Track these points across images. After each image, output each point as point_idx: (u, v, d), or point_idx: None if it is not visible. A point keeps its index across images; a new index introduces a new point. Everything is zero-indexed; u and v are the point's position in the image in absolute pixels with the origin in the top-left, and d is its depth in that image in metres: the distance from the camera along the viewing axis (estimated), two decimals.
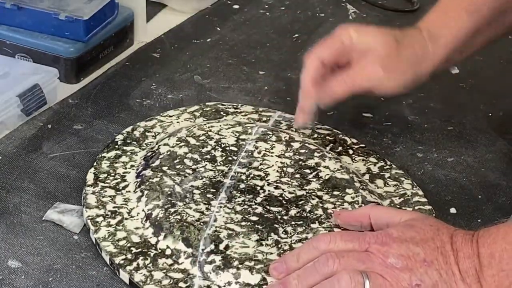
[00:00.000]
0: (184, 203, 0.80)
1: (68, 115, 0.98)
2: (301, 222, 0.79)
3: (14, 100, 0.94)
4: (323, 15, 1.26)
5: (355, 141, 0.94)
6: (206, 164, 0.85)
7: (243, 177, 0.84)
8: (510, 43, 1.19)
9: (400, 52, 0.88)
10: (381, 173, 0.89)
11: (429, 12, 0.92)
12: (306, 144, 0.89)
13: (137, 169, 0.86)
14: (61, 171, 0.88)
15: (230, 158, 0.86)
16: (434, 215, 0.83)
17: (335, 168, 0.86)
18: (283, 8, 1.27)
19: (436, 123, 1.00)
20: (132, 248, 0.76)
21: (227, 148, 0.88)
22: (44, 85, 0.97)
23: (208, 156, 0.86)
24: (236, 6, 1.27)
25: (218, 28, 1.20)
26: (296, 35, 1.20)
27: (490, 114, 1.02)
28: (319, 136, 0.94)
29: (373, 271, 0.68)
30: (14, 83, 0.96)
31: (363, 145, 0.93)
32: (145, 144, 0.91)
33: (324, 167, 0.86)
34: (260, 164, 0.86)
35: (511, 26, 0.94)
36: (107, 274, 0.75)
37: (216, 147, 0.88)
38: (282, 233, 0.77)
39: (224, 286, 0.73)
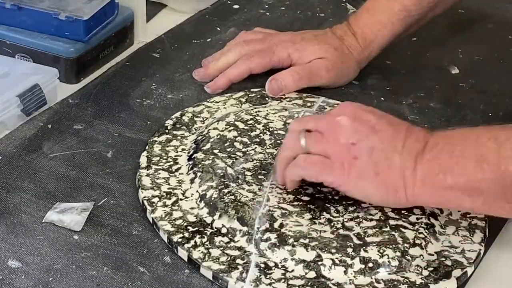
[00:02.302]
0: (237, 184, 0.82)
1: (68, 115, 0.98)
2: (352, 201, 0.81)
3: (14, 100, 0.94)
4: (323, 15, 1.26)
5: None
6: (255, 147, 0.88)
7: None
8: (510, 43, 1.19)
9: (343, 59, 1.02)
10: None
11: (361, 12, 1.05)
12: None
13: (188, 152, 0.88)
14: (61, 171, 0.88)
15: (278, 141, 0.89)
16: None
17: None
18: (283, 8, 1.27)
19: (436, 123, 1.00)
20: (188, 227, 0.79)
21: (275, 132, 0.90)
22: (44, 85, 0.97)
23: (257, 140, 0.89)
24: (236, 6, 1.27)
25: (218, 28, 1.20)
26: None
27: (490, 114, 1.02)
28: None
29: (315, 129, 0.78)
30: (14, 83, 0.96)
31: None
32: (194, 128, 0.94)
33: None
34: None
35: (436, 16, 1.08)
36: (107, 274, 0.75)
37: (265, 131, 0.90)
38: (334, 212, 0.80)
39: (280, 262, 0.75)
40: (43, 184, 0.86)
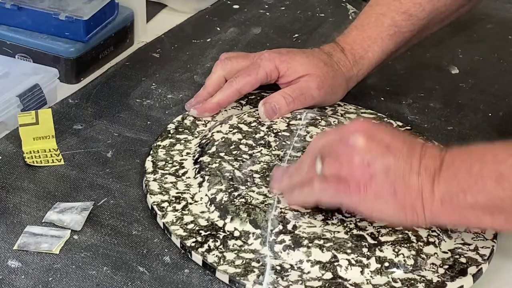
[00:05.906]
0: (246, 186, 0.82)
1: (68, 115, 0.98)
2: None
3: (14, 100, 0.94)
4: (323, 15, 1.26)
5: (400, 123, 0.97)
6: (261, 149, 0.88)
7: None
8: (510, 43, 1.19)
9: (333, 74, 0.96)
10: None
11: (350, 30, 1.00)
12: None
13: (193, 156, 0.88)
14: (61, 171, 0.88)
15: (283, 143, 0.89)
16: None
17: None
18: (283, 8, 1.27)
19: (436, 123, 1.00)
20: (201, 231, 0.79)
21: (279, 134, 0.90)
22: (44, 85, 0.97)
23: (262, 142, 0.89)
24: (236, 6, 1.27)
25: (218, 28, 1.20)
26: (296, 35, 1.20)
27: (490, 114, 1.03)
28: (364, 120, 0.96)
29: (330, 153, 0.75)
30: (14, 83, 0.96)
31: (409, 127, 0.96)
32: (197, 132, 0.93)
33: None
34: None
35: (433, 32, 1.04)
36: (107, 274, 0.75)
37: (269, 132, 0.90)
38: (346, 212, 0.79)
39: (296, 264, 0.75)
40: (43, 184, 0.86)
